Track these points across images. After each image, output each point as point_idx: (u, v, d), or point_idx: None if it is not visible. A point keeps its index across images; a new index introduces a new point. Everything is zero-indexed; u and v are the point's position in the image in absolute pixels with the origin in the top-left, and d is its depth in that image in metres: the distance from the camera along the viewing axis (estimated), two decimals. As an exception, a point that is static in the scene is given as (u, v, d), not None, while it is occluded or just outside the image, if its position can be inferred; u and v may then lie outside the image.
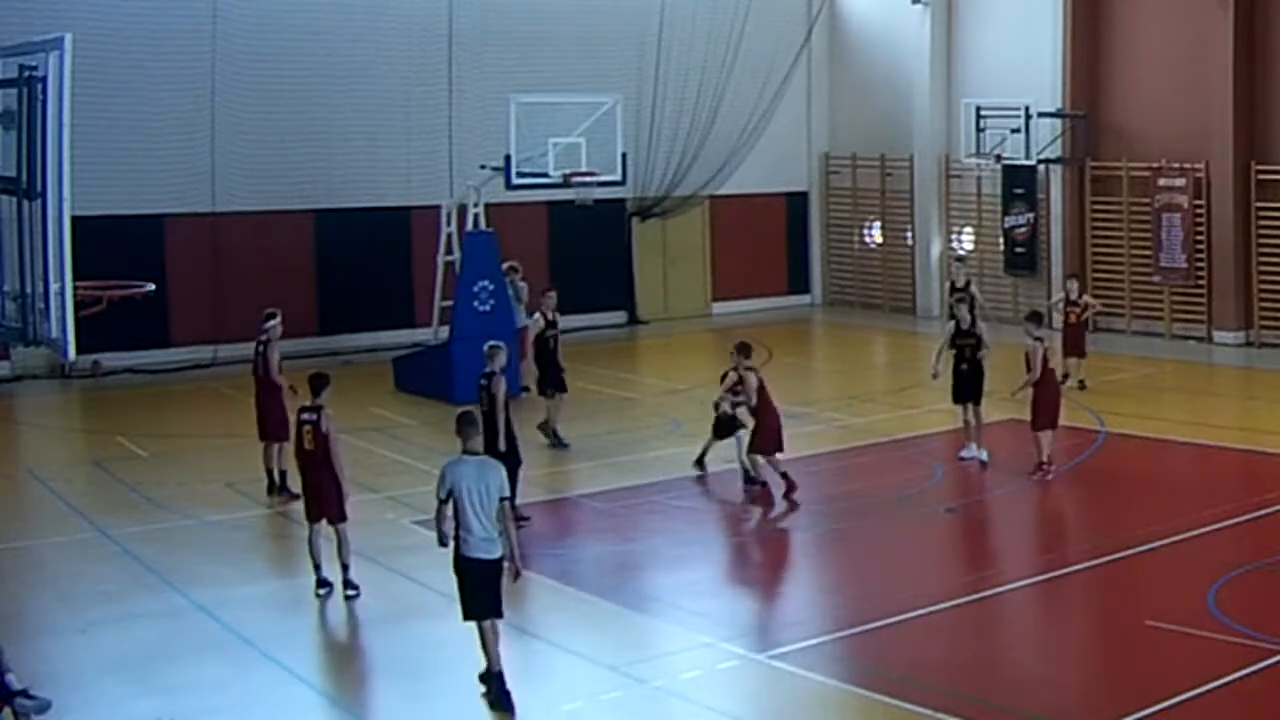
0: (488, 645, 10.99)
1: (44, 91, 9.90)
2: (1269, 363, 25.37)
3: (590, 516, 16.66)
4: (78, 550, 15.36)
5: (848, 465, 18.74)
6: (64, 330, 10.13)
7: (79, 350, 10.40)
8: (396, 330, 27.49)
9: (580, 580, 14.20)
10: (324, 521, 13.50)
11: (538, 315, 20.10)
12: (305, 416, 13.66)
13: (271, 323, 17.47)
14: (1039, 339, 17.38)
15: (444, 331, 23.62)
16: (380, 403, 22.60)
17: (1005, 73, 29.75)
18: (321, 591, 13.47)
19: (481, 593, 10.93)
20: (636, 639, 12.77)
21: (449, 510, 10.91)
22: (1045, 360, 17.39)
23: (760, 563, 14.92)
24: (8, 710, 10.44)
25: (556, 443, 19.64)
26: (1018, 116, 28.82)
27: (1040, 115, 28.80)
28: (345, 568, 13.48)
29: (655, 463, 18.86)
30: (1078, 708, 10.97)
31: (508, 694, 10.91)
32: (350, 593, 13.39)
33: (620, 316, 31.89)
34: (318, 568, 13.52)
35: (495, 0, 29.48)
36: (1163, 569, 14.22)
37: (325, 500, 13.48)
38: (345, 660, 12.13)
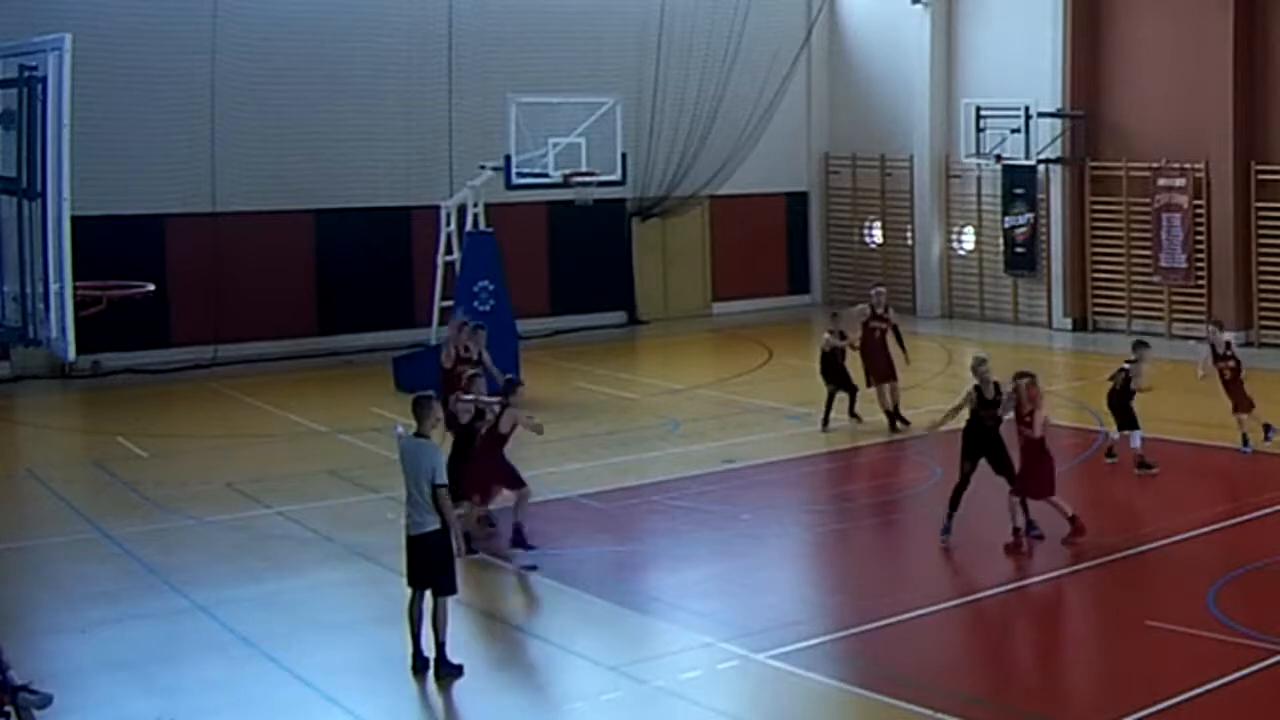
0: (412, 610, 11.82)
1: (44, 91, 9.87)
2: (1269, 363, 25.31)
3: (590, 516, 16.64)
4: (78, 550, 15.35)
5: (848, 465, 18.72)
6: (64, 330, 10.10)
7: (79, 350, 10.39)
8: (396, 330, 27.47)
9: (580, 580, 14.18)
10: None
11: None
12: None
13: None
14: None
15: (444, 331, 23.59)
16: (380, 403, 22.55)
17: (1005, 73, 29.74)
18: None
19: (410, 563, 11.82)
20: (636, 639, 12.77)
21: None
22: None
23: (760, 563, 14.89)
24: (10, 706, 10.44)
25: None
26: (1018, 116, 28.84)
27: (1040, 115, 28.82)
28: None
29: (655, 463, 18.86)
30: (1078, 708, 10.98)
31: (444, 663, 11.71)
32: None
33: (620, 316, 31.88)
34: None
35: (495, 0, 29.49)
36: (1163, 569, 14.21)
37: None
38: (345, 660, 12.11)
